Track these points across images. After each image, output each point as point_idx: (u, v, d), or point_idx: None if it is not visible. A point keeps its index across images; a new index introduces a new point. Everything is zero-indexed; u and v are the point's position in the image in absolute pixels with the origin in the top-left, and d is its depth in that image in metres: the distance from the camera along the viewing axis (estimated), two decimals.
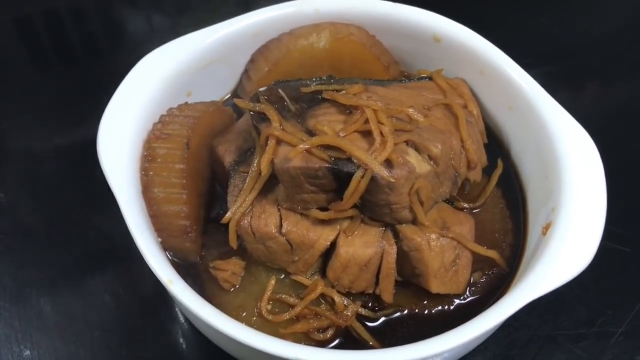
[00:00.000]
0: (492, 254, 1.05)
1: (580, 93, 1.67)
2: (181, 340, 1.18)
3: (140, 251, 0.94)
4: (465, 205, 1.13)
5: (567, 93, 1.61)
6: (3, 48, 1.75)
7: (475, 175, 1.11)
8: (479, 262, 1.06)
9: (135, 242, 0.95)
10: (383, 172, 0.93)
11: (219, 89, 1.29)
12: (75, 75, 1.68)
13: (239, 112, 1.21)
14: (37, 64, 1.75)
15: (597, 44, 1.76)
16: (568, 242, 0.95)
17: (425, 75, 1.21)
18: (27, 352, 1.16)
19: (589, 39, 1.78)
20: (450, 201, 1.10)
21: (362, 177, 0.93)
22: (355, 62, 1.25)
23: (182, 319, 1.19)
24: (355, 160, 0.94)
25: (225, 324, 0.88)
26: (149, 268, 0.94)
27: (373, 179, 0.93)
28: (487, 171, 1.16)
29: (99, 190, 1.09)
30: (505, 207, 1.14)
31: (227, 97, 1.31)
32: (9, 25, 1.81)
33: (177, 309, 1.19)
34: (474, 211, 1.13)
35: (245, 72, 1.28)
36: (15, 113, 1.58)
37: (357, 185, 0.94)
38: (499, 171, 1.17)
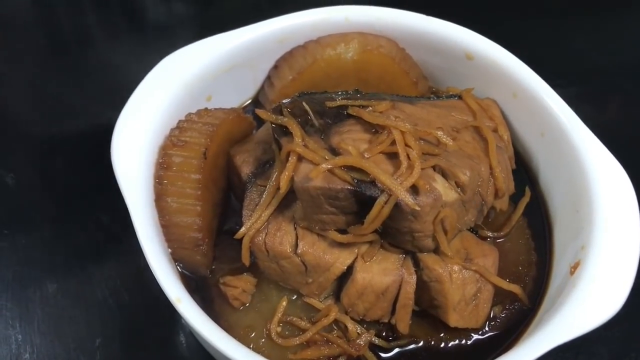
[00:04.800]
0: (515, 288, 1.01)
1: (610, 115, 1.62)
2: (185, 352, 1.15)
3: (150, 266, 0.91)
4: (490, 234, 1.08)
5: (597, 115, 1.58)
6: (21, 32, 1.72)
7: (502, 204, 1.07)
8: (499, 295, 1.02)
9: (145, 256, 0.92)
10: (408, 199, 0.88)
11: (239, 95, 1.25)
12: (95, 65, 1.65)
13: (259, 121, 1.17)
14: (55, 49, 1.72)
15: (630, 67, 1.71)
16: (597, 286, 0.91)
17: (454, 94, 1.17)
18: (27, 356, 1.13)
19: (622, 61, 1.72)
20: (474, 229, 1.06)
21: (386, 202, 0.89)
22: (383, 76, 1.20)
23: (187, 329, 1.16)
24: (379, 184, 0.90)
25: (233, 350, 0.85)
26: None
27: (397, 206, 0.89)
28: (514, 199, 1.11)
29: (110, 186, 1.05)
30: (531, 238, 1.10)
31: (247, 103, 1.27)
32: (28, 8, 1.78)
33: (183, 320, 1.16)
34: (498, 240, 1.09)
35: (268, 78, 1.24)
36: (33, 100, 1.56)
37: (379, 211, 0.90)
38: (526, 200, 1.12)
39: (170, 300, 0.89)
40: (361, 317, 0.99)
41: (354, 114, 1.00)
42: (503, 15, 1.78)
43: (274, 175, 0.98)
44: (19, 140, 1.48)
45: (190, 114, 1.09)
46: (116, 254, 1.25)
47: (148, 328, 1.17)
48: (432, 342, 1.00)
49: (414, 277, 0.96)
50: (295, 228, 0.98)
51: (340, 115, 1.01)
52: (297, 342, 0.96)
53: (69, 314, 1.18)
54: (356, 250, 0.97)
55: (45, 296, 1.20)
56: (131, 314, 1.18)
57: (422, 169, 0.92)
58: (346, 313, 0.98)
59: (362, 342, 0.96)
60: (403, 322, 0.97)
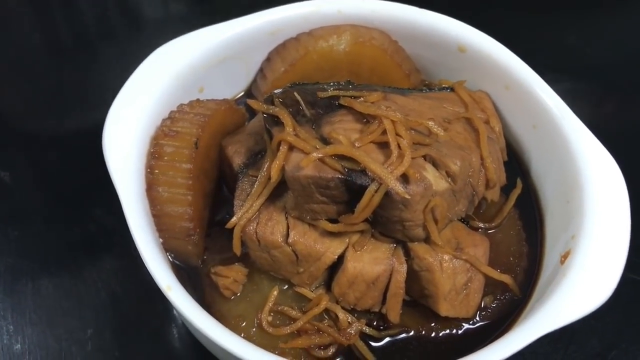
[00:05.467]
0: (506, 278, 1.01)
1: (603, 111, 1.62)
2: (177, 343, 1.15)
3: (141, 255, 0.91)
4: (481, 225, 1.08)
5: (590, 110, 1.58)
6: (18, 30, 1.72)
7: (493, 195, 1.07)
8: (490, 285, 1.02)
9: (136, 244, 0.91)
10: (398, 188, 0.88)
11: (232, 87, 1.25)
12: (89, 60, 1.65)
13: (252, 112, 1.17)
14: (50, 48, 1.72)
15: (624, 63, 1.71)
16: (587, 275, 0.91)
17: (447, 86, 1.17)
18: (18, 346, 1.13)
19: (616, 57, 1.72)
20: (465, 220, 1.06)
21: (376, 191, 0.89)
22: (375, 68, 1.20)
23: (179, 321, 1.16)
24: (369, 173, 0.90)
25: (223, 337, 0.85)
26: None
27: (387, 194, 0.89)
28: (505, 190, 1.11)
29: (104, 180, 1.04)
30: (522, 229, 1.09)
31: (240, 95, 1.27)
32: (26, 7, 1.77)
33: (174, 312, 1.16)
34: (489, 231, 1.09)
35: (261, 70, 1.24)
36: (27, 96, 1.56)
37: (370, 200, 0.90)
38: (517, 191, 1.12)
39: (161, 288, 0.89)
40: (352, 307, 0.98)
41: (346, 104, 1.00)
42: (497, 9, 1.78)
43: (265, 165, 0.97)
44: (13, 135, 1.48)
45: (182, 104, 1.09)
46: (109, 246, 1.25)
47: (140, 319, 1.17)
48: (423, 332, 0.99)
49: (405, 266, 0.96)
50: (286, 218, 0.98)
51: (331, 106, 1.01)
52: (288, 331, 0.95)
53: (61, 305, 1.17)
54: (347, 240, 0.97)
55: (37, 288, 1.19)
56: (123, 305, 1.18)
57: (412, 158, 0.91)
58: (337, 302, 0.98)
59: (352, 331, 0.95)
60: (394, 311, 0.97)
